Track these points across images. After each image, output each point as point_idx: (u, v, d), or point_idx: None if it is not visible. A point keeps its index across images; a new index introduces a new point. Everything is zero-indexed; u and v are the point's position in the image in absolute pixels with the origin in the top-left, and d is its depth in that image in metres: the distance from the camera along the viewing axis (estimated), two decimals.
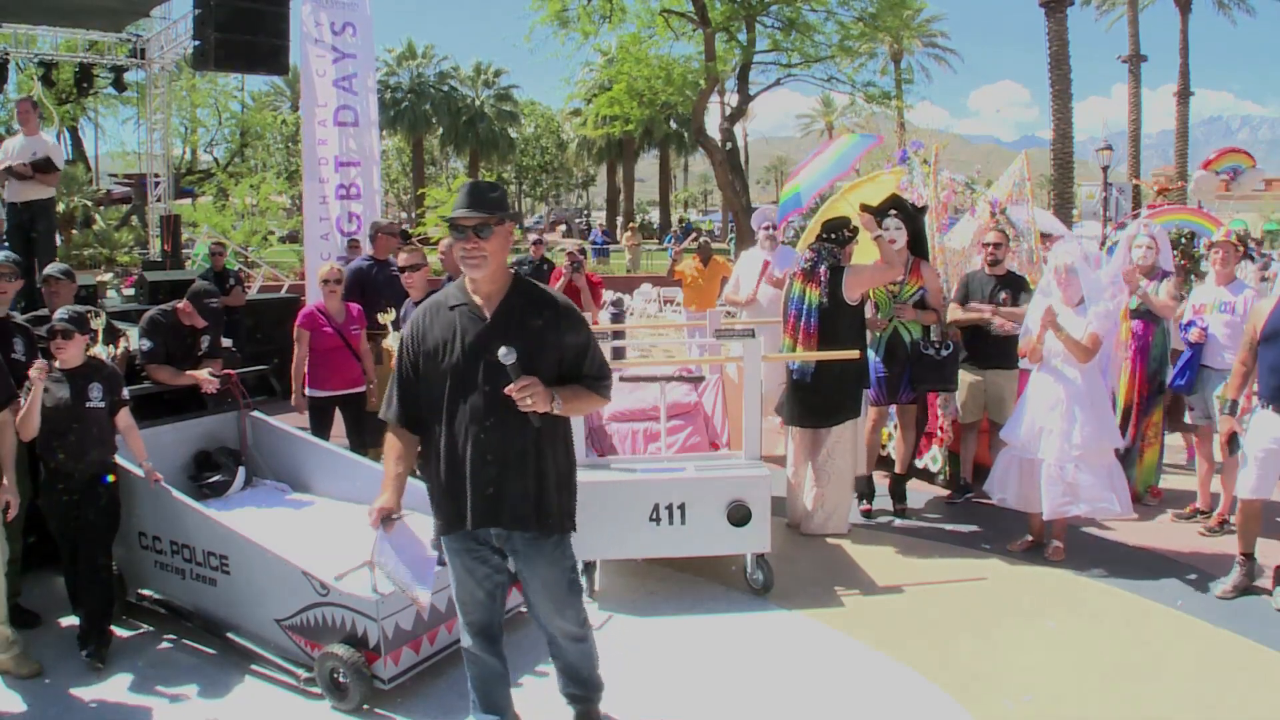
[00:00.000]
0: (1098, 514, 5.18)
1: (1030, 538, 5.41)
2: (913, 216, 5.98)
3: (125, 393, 4.40)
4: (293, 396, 6.03)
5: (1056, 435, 5.06)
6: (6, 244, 7.71)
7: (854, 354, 5.57)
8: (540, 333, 2.98)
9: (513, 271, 3.09)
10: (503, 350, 2.85)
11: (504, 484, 2.98)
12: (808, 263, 5.59)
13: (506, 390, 2.86)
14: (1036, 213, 7.00)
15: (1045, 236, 7.26)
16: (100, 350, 4.96)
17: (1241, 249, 7.19)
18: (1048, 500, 5.08)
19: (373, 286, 6.55)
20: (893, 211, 5.83)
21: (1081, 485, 5.02)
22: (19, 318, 4.59)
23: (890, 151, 10.79)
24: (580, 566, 4.70)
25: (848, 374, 5.51)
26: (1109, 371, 5.57)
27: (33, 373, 4.01)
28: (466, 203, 2.94)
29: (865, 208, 5.96)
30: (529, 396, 2.85)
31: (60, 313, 4.24)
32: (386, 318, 5.26)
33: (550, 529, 3.06)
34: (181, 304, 5.26)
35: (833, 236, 5.59)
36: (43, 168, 7.44)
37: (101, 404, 4.22)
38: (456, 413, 2.98)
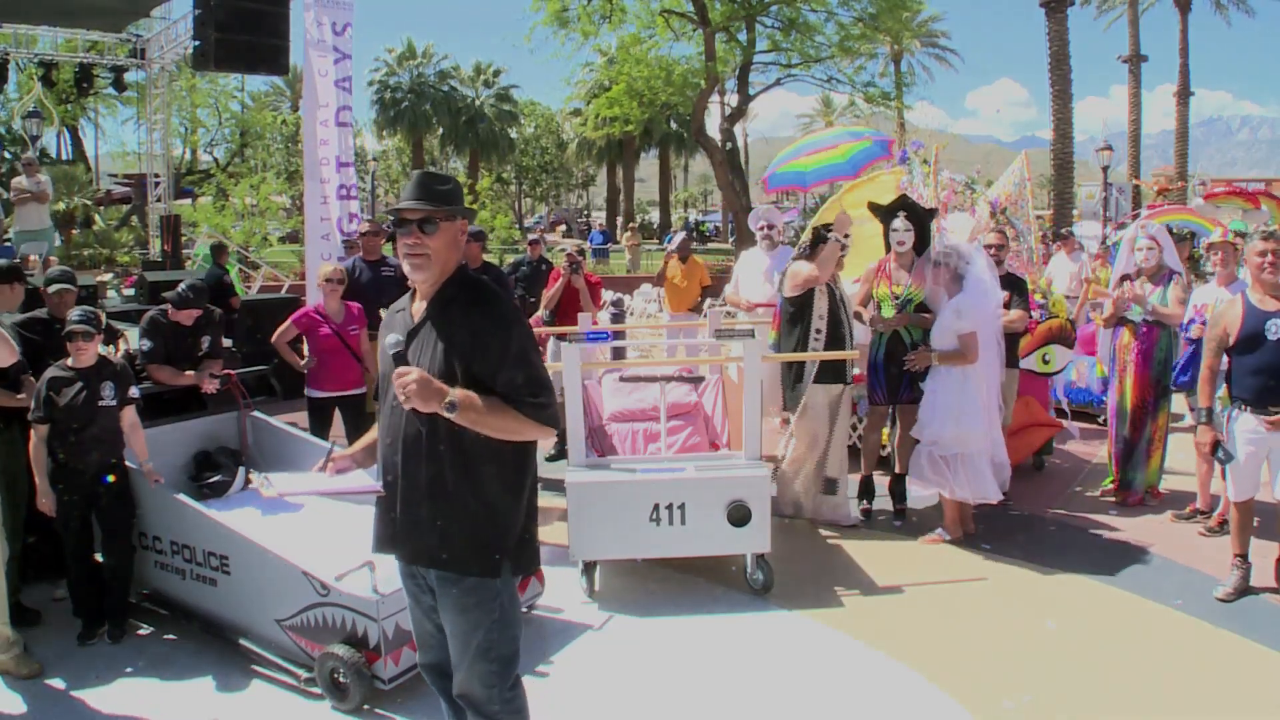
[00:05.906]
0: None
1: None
2: (921, 219, 5.97)
3: (135, 391, 4.40)
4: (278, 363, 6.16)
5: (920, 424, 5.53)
6: None
7: (855, 354, 5.67)
8: (455, 331, 2.55)
9: (458, 269, 2.66)
10: (391, 338, 2.56)
11: (407, 510, 2.61)
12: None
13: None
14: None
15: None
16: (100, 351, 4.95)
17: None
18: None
19: (358, 287, 6.54)
20: (902, 213, 5.83)
21: (924, 470, 5.49)
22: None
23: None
24: (582, 567, 4.76)
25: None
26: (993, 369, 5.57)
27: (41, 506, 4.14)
28: (413, 194, 2.58)
29: (874, 206, 5.96)
30: (405, 388, 2.42)
31: (74, 314, 4.21)
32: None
33: (457, 568, 2.59)
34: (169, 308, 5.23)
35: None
36: None
37: (114, 403, 4.23)
38: (384, 425, 2.70)
